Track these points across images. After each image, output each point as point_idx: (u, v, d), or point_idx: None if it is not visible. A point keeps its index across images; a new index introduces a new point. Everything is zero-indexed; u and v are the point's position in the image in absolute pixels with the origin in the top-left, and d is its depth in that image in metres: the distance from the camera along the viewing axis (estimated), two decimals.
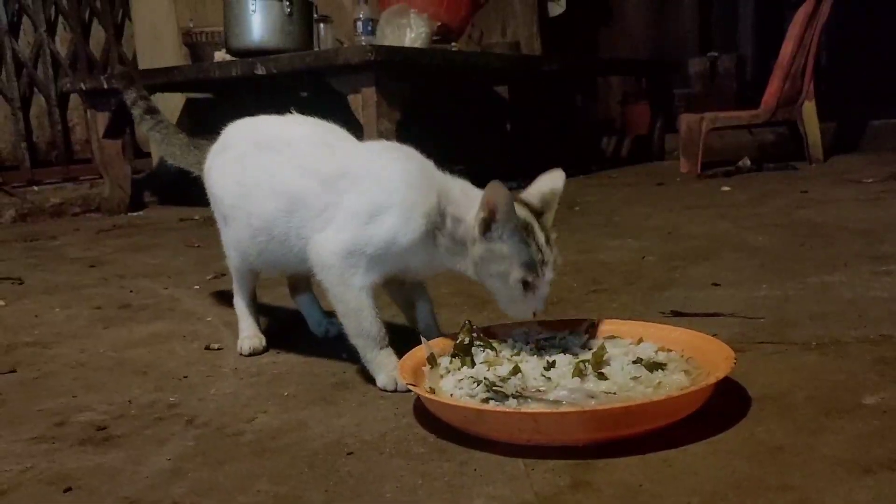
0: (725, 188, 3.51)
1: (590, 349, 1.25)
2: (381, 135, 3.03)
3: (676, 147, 5.56)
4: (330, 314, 1.64)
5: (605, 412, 0.98)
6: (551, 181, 1.27)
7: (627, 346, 1.25)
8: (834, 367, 1.22)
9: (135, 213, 4.20)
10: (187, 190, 4.56)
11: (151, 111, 1.73)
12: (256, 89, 4.19)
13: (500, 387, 1.09)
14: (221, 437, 1.12)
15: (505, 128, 5.91)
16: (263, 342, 1.54)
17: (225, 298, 2.02)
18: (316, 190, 1.30)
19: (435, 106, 4.88)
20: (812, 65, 4.28)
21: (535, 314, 1.23)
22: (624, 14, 6.61)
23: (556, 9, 6.13)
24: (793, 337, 1.39)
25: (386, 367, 1.27)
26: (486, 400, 1.07)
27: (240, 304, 1.58)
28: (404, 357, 1.21)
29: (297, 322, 1.68)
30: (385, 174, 1.27)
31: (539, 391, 1.09)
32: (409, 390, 1.21)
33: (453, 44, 4.56)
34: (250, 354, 1.52)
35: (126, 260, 2.72)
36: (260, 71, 3.27)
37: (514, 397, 1.07)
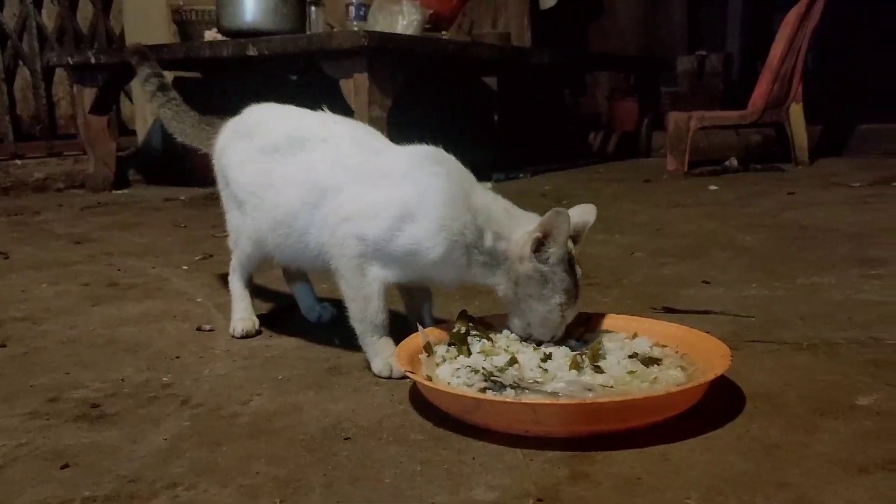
0: (713, 187, 3.54)
1: (585, 343, 1.26)
2: (372, 122, 3.02)
3: (663, 144, 5.61)
4: (323, 300, 1.65)
5: (604, 405, 0.99)
6: (584, 214, 1.29)
7: (622, 341, 1.26)
8: (826, 367, 1.24)
9: (119, 191, 4.16)
10: (172, 170, 4.57)
11: (164, 88, 1.72)
12: (245, 70, 4.16)
13: (498, 377, 1.10)
14: (217, 419, 1.12)
15: (492, 119, 5.91)
16: (257, 325, 1.54)
17: (215, 280, 2.02)
18: (350, 184, 1.30)
19: (423, 94, 4.87)
20: (801, 67, 4.31)
21: (554, 337, 1.24)
22: (615, 10, 6.63)
23: (548, 2, 6.14)
24: (784, 337, 1.41)
25: (383, 353, 1.27)
26: (483, 389, 1.08)
27: (237, 285, 1.58)
28: (400, 344, 1.22)
29: (289, 306, 1.68)
30: (423, 184, 1.26)
31: (536, 382, 1.09)
32: (405, 377, 1.22)
33: (444, 33, 4.56)
34: (243, 337, 1.51)
35: (112, 238, 2.70)
36: (252, 52, 3.25)
37: (511, 387, 1.07)
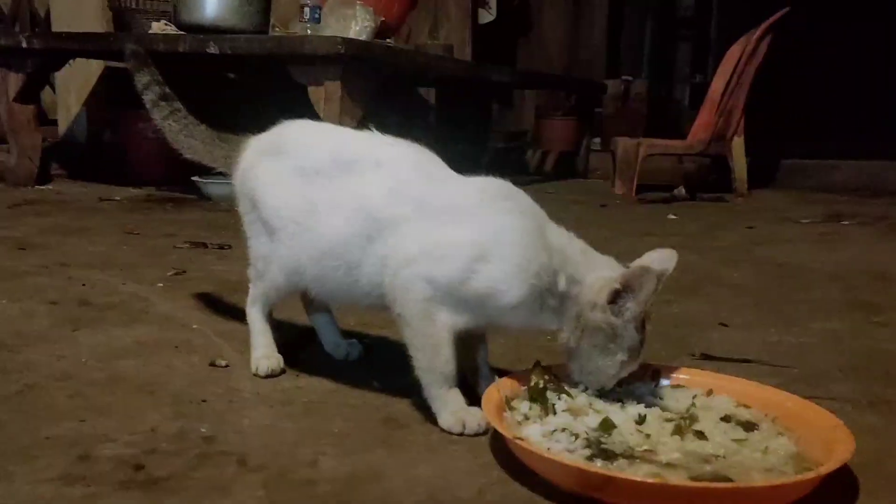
0: (672, 216, 3.57)
1: (660, 398, 1.20)
2: None
3: (599, 166, 5.68)
4: (349, 335, 1.52)
5: (769, 488, 0.91)
6: (663, 262, 1.19)
7: (694, 397, 1.20)
8: None
9: (42, 187, 3.84)
10: (98, 165, 4.26)
11: (167, 97, 1.53)
12: (184, 66, 3.93)
13: (606, 444, 1.02)
14: (292, 487, 0.98)
15: (428, 131, 5.83)
16: (281, 363, 1.39)
17: (199, 301, 1.85)
18: (413, 218, 1.18)
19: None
20: (744, 102, 4.44)
21: (603, 389, 1.17)
22: (541, 29, 6.70)
23: (487, 16, 6.13)
24: (836, 392, 1.38)
25: (451, 405, 1.16)
26: (590, 458, 0.99)
27: (257, 317, 1.43)
28: (483, 400, 1.11)
29: (306, 338, 1.54)
30: (497, 222, 1.17)
31: (649, 452, 1.01)
32: (478, 434, 1.13)
33: (388, 40, 4.45)
34: (267, 376, 1.37)
35: (61, 245, 2.45)
36: (213, 50, 3.05)
37: (623, 457, 0.99)
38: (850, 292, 2.17)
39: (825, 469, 0.92)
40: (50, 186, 3.87)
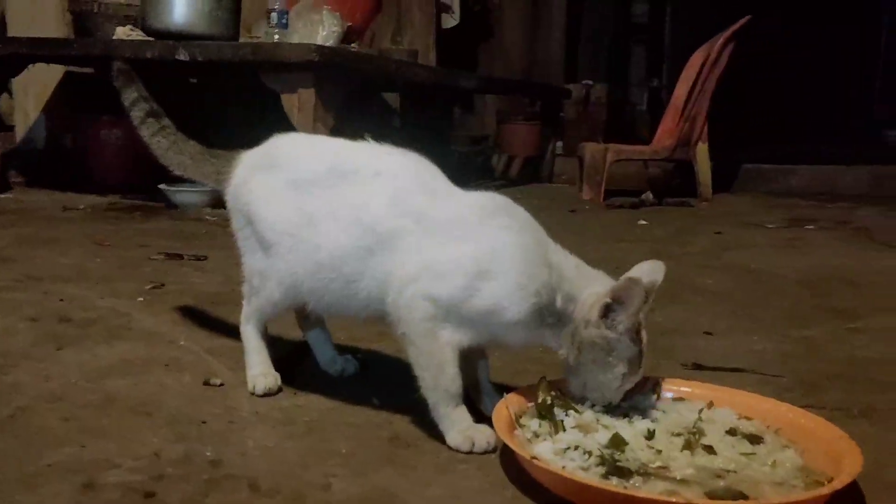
0: (642, 221, 3.62)
1: (664, 411, 1.21)
2: None
3: (564, 171, 5.73)
4: (341, 351, 1.51)
5: None
6: (652, 273, 1.21)
7: (699, 411, 1.21)
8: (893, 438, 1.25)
9: (2, 195, 3.73)
10: (58, 172, 4.15)
11: (155, 114, 1.50)
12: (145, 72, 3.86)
13: (621, 461, 1.02)
14: None
15: (392, 136, 5.81)
16: (279, 381, 1.37)
17: (183, 315, 1.83)
18: (413, 231, 1.17)
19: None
20: (707, 108, 4.51)
21: (611, 403, 1.18)
22: (502, 33, 6.74)
23: (450, 21, 6.14)
24: (827, 401, 1.42)
25: (459, 424, 1.16)
26: (605, 475, 1.00)
27: (252, 334, 1.40)
28: (494, 418, 1.11)
29: (299, 354, 1.52)
30: (499, 238, 1.17)
31: (662, 468, 1.02)
32: (487, 452, 1.14)
33: (353, 45, 4.43)
34: (264, 395, 1.35)
35: (32, 257, 2.39)
36: (182, 56, 3.00)
37: (638, 474, 1.00)
38: (823, 298, 2.22)
39: (839, 483, 0.94)
40: (10, 195, 3.77)
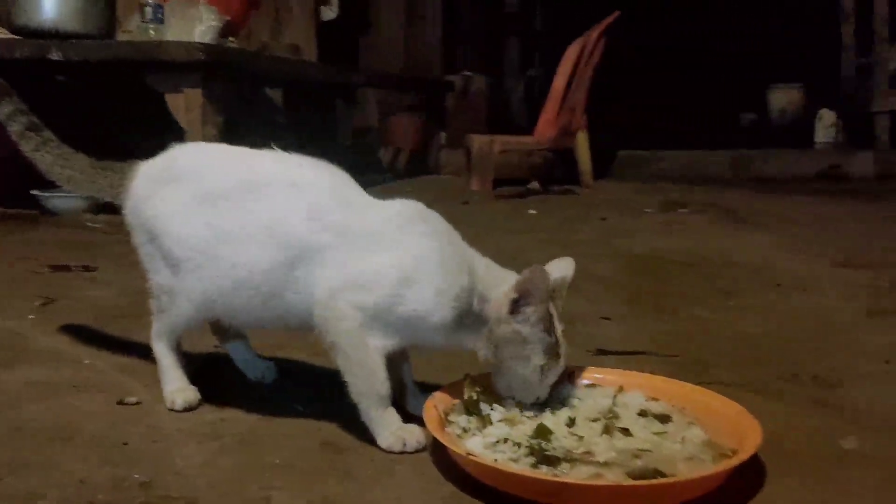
0: (532, 211, 3.74)
1: (580, 398, 1.28)
2: (206, 140, 2.80)
3: (448, 162, 5.82)
4: (262, 356, 1.51)
5: (698, 480, 1.00)
6: (562, 269, 1.27)
7: (613, 396, 1.29)
8: (786, 411, 1.36)
9: None
10: None
11: (35, 127, 1.43)
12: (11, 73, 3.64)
13: (548, 450, 1.08)
14: None
15: (277, 132, 5.73)
16: (198, 395, 1.36)
17: (81, 332, 1.77)
18: (335, 245, 1.19)
19: None
20: (585, 98, 4.70)
21: (538, 399, 1.23)
22: (380, 26, 6.76)
23: (329, 14, 6.08)
24: (723, 378, 1.53)
25: (389, 425, 1.19)
26: (535, 465, 1.06)
27: (164, 350, 1.38)
28: (425, 417, 1.15)
29: (212, 365, 1.50)
30: (420, 245, 1.20)
31: (587, 454, 1.09)
32: (418, 451, 1.17)
33: (231, 39, 4.34)
34: (184, 410, 1.33)
35: None
36: (55, 56, 2.86)
37: (566, 461, 1.06)
38: (706, 279, 2.38)
39: (745, 454, 1.03)
40: None
